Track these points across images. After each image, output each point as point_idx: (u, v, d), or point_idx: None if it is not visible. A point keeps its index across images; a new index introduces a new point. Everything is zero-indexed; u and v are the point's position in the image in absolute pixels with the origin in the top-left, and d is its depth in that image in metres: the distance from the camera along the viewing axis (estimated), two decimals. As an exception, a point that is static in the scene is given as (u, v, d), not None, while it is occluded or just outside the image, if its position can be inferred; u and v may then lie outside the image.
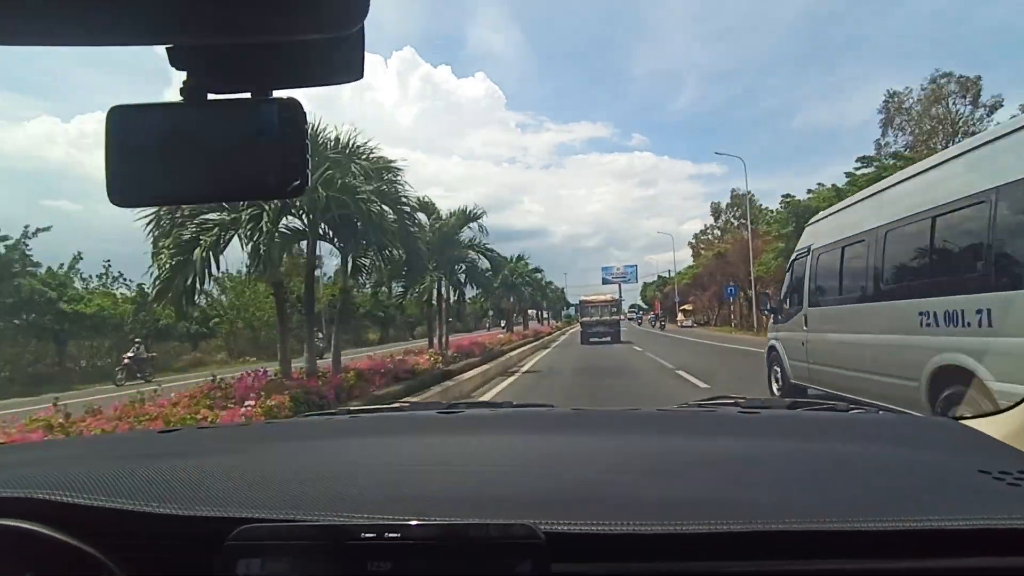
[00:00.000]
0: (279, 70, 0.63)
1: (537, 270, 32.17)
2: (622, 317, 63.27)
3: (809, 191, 26.20)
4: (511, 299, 27.39)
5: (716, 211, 57.55)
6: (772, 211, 35.51)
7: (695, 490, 0.75)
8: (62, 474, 0.82)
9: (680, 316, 50.90)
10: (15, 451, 1.25)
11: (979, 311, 3.65)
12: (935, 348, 4.01)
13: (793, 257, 7.14)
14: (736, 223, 52.55)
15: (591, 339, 25.04)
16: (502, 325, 31.99)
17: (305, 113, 0.64)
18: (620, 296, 76.74)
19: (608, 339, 24.68)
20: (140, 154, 0.64)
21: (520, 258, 27.03)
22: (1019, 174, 3.40)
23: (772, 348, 7.38)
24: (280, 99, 0.63)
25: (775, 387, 7.20)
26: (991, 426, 1.01)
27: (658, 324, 51.62)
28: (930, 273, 4.29)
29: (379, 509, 0.70)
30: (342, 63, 0.62)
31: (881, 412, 1.26)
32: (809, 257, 6.45)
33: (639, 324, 64.93)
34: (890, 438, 1.02)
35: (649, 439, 1.03)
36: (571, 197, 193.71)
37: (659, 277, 74.51)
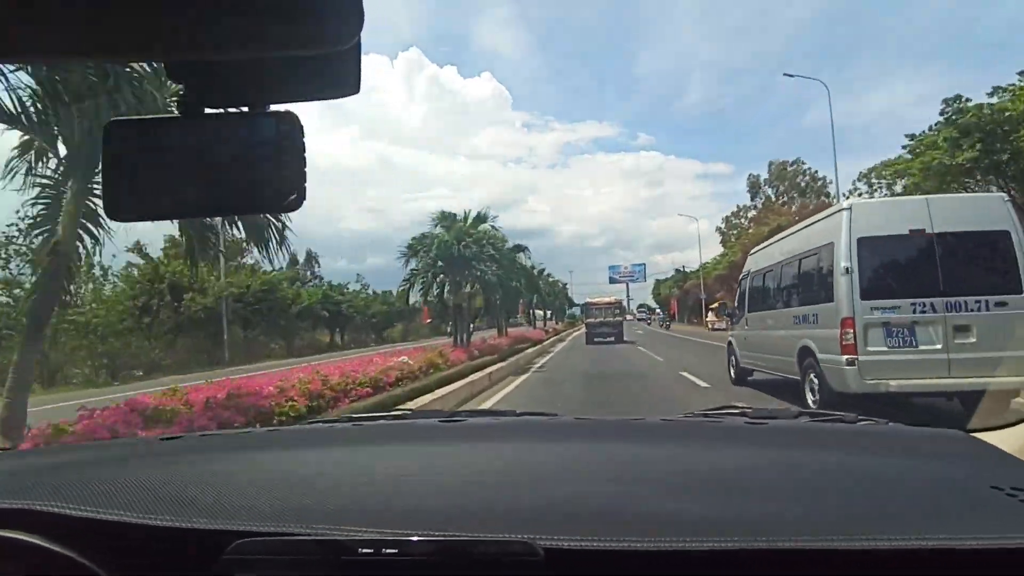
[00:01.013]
0: (276, 84, 0.63)
1: (519, 248, 19.37)
2: (631, 318, 62.14)
3: (997, 88, 14.62)
4: (464, 287, 16.19)
5: (754, 186, 46.77)
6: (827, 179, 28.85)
7: (700, 504, 0.73)
8: (60, 484, 0.82)
9: (711, 316, 39.34)
10: (12, 459, 1.24)
11: (814, 315, 6.52)
12: (798, 336, 6.86)
13: (741, 277, 10.02)
14: (783, 199, 43.26)
15: (595, 339, 26.56)
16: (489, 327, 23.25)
17: (302, 126, 0.64)
18: (628, 295, 73.98)
19: (612, 339, 26.31)
20: (137, 168, 0.64)
21: (481, 219, 15.78)
22: (826, 241, 6.29)
23: (730, 342, 10.23)
24: (277, 112, 0.64)
25: (732, 370, 10.02)
26: (1003, 439, 0.98)
27: (664, 325, 51.94)
28: (796, 292, 7.17)
29: (378, 522, 0.69)
30: (339, 77, 0.62)
31: (890, 424, 1.23)
32: (748, 278, 9.33)
33: (648, 324, 60.00)
34: (899, 450, 1.01)
35: (654, 450, 1.01)
36: (577, 197, 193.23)
37: (677, 271, 62.71)
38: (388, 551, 0.64)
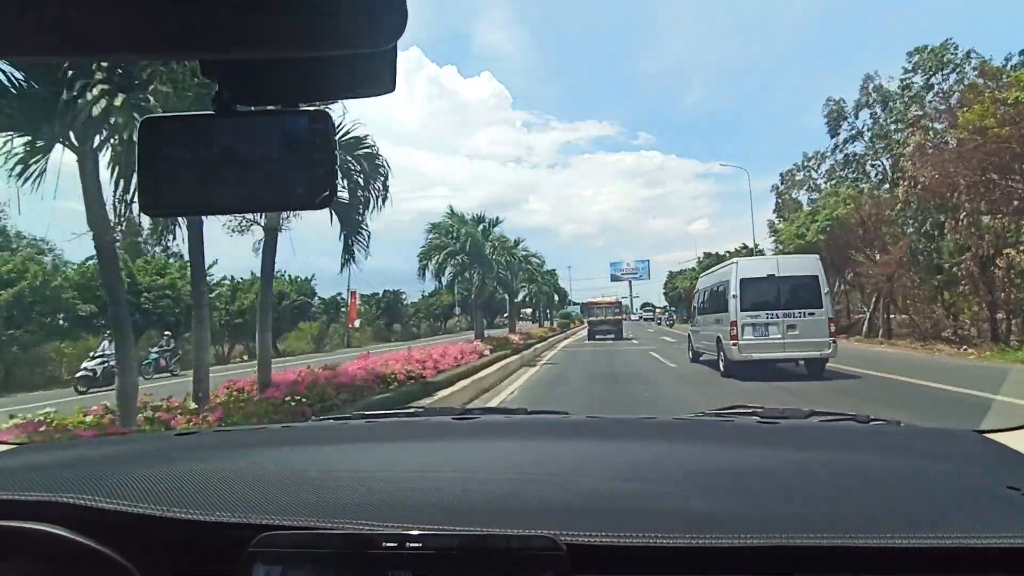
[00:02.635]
0: (311, 82, 0.63)
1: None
2: (635, 318, 59.91)
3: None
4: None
5: (835, 117, 27.15)
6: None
7: (718, 502, 0.74)
8: (84, 477, 0.83)
9: None
10: (39, 453, 1.27)
11: (721, 319, 11.72)
12: (716, 331, 12.05)
13: (693, 292, 15.26)
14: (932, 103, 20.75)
15: (597, 335, 29.28)
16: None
17: (334, 125, 0.65)
18: (631, 293, 71.77)
19: (612, 336, 28.90)
20: (171, 165, 0.65)
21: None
22: (727, 279, 11.49)
23: (689, 336, 15.44)
24: (309, 111, 0.64)
25: (690, 352, 15.18)
26: (1017, 440, 0.99)
27: (667, 323, 49.73)
28: (716, 305, 12.35)
29: (399, 517, 0.70)
30: (375, 76, 0.62)
31: (903, 424, 1.24)
32: (698, 293, 14.54)
33: (659, 323, 52.27)
34: (913, 451, 1.02)
35: (668, 448, 1.02)
36: (577, 197, 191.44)
37: (706, 255, 48.88)
38: (411, 545, 0.65)
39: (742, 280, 11.04)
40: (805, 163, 31.24)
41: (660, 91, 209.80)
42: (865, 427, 1.18)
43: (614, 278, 71.38)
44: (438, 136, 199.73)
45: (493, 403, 9.90)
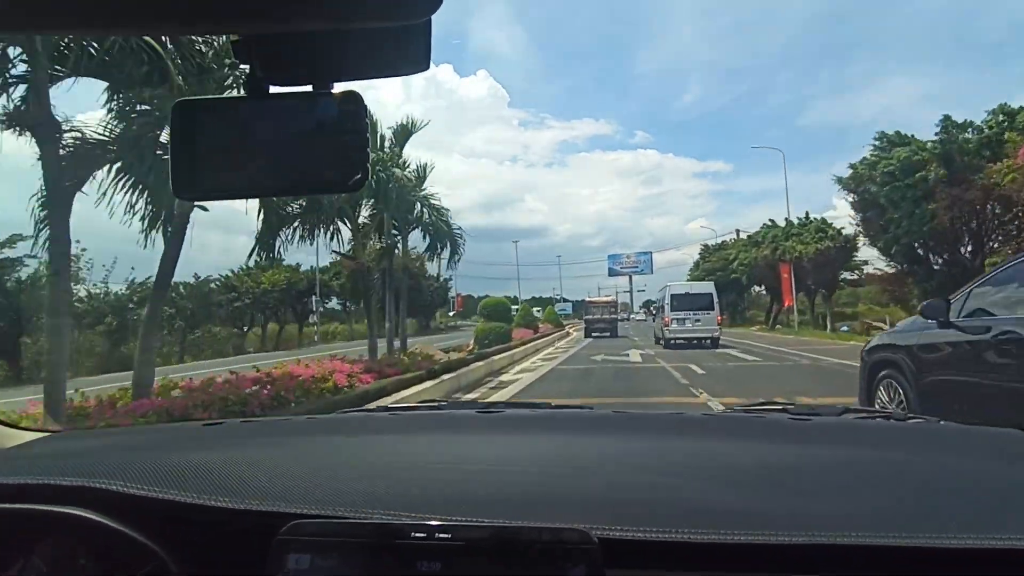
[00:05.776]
0: (344, 62, 0.63)
1: None
2: (641, 317, 58.45)
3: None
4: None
5: None
6: None
7: (751, 498, 0.73)
8: (116, 463, 0.84)
9: None
10: (73, 440, 1.28)
11: (663, 315, 21.42)
12: (662, 324, 21.78)
13: (656, 299, 25.03)
14: None
15: (593, 333, 30.07)
16: None
17: (366, 106, 0.64)
18: (632, 289, 68.64)
19: (608, 334, 29.99)
20: (204, 148, 0.65)
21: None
22: (665, 294, 21.30)
23: (654, 328, 25.03)
24: (341, 92, 0.64)
25: (653, 338, 24.59)
26: None
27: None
28: (662, 308, 22.14)
29: (428, 509, 0.70)
30: (408, 53, 0.61)
31: (943, 422, 1.20)
32: (658, 301, 24.33)
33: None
34: (954, 448, 0.99)
35: (697, 444, 1.00)
36: (574, 195, 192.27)
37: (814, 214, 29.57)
38: (441, 536, 0.65)
39: (672, 295, 20.70)
40: None
41: (657, 90, 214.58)
42: (902, 424, 1.17)
43: (612, 272, 66.86)
44: (434, 135, 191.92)
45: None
